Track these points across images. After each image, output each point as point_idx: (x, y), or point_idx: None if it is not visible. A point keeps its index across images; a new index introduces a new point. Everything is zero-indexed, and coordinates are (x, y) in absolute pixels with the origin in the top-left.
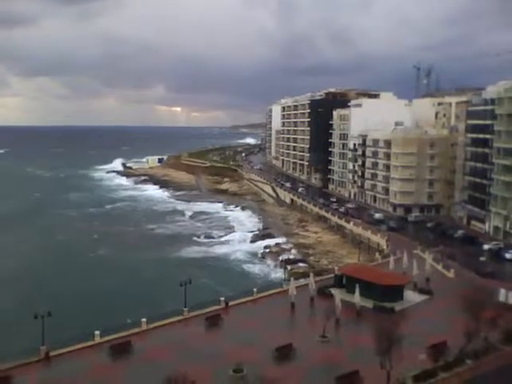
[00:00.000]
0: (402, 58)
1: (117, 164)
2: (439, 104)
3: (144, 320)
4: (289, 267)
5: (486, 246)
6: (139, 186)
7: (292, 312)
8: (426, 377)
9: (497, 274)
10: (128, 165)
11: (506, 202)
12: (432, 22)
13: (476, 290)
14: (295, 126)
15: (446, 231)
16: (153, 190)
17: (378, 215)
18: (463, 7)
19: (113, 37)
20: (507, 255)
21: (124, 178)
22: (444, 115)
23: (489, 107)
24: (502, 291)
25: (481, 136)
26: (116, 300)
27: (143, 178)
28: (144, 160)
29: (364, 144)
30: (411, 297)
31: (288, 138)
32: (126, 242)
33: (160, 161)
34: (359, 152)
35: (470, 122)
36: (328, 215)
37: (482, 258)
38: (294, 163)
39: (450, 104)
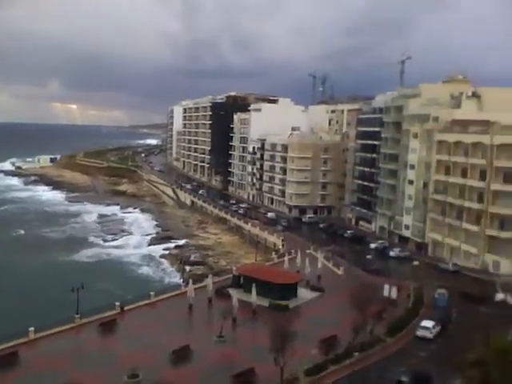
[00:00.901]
0: (301, 65)
1: (7, 163)
2: (333, 111)
3: (32, 329)
4: (188, 269)
5: (372, 245)
6: (30, 186)
7: (190, 314)
8: (317, 370)
9: (382, 270)
10: (18, 164)
11: (390, 204)
12: (331, 32)
13: (363, 287)
14: (196, 128)
15: (337, 231)
16: (45, 192)
17: (270, 214)
18: (360, 19)
19: (13, 31)
20: (391, 253)
21: (16, 178)
22: (337, 122)
23: (377, 115)
24: (386, 287)
25: (369, 142)
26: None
27: (33, 178)
28: (35, 159)
29: (263, 148)
30: (304, 294)
31: (189, 140)
32: (14, 246)
33: (52, 160)
34: (258, 155)
35: (360, 128)
36: (227, 217)
37: (368, 256)
38: (195, 165)
39: (343, 111)
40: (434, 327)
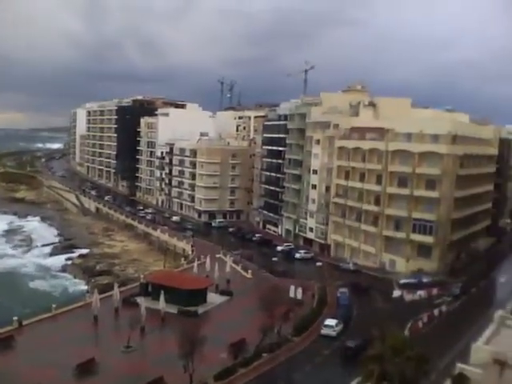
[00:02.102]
0: (210, 72)
1: None
2: (240, 117)
3: None
4: (93, 279)
5: (279, 248)
6: None
7: (95, 325)
8: (227, 374)
9: (288, 272)
10: None
11: (295, 208)
12: (239, 41)
13: (270, 289)
14: (102, 132)
15: (245, 235)
16: None
17: (175, 218)
18: (266, 30)
19: None
20: (297, 255)
21: None
22: (244, 128)
23: (282, 122)
24: (292, 288)
25: (275, 148)
26: None
27: None
28: None
29: (171, 152)
30: (213, 299)
31: (94, 144)
32: None
33: None
34: (166, 160)
35: (266, 135)
36: (135, 223)
37: (274, 259)
38: (101, 170)
39: (250, 118)
40: (336, 325)
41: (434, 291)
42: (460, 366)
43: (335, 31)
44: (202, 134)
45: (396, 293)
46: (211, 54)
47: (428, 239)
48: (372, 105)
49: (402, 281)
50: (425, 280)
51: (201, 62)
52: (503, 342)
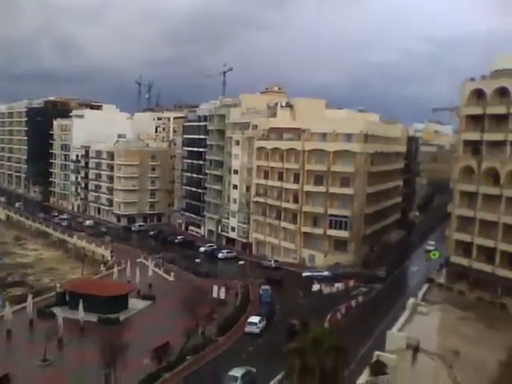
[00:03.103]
0: (127, 72)
1: None
2: (159, 118)
3: None
4: (4, 291)
5: (202, 249)
6: None
7: (8, 340)
8: (151, 380)
9: (211, 273)
10: None
11: (217, 208)
12: (157, 41)
13: (193, 290)
14: (10, 135)
15: (167, 238)
16: None
17: (88, 222)
18: (185, 30)
19: None
20: (220, 255)
21: None
22: (164, 129)
23: (202, 123)
24: (215, 288)
25: (196, 149)
26: None
27: None
28: None
29: (87, 155)
30: (135, 304)
31: (2, 148)
32: None
33: None
34: (82, 163)
35: (187, 136)
36: (49, 230)
37: (197, 260)
38: (10, 175)
39: (169, 119)
40: (260, 322)
41: (351, 283)
42: (377, 353)
43: (253, 33)
44: (119, 136)
45: (315, 287)
46: (130, 53)
47: (344, 234)
48: (289, 106)
49: (305, 274)
50: (325, 273)
51: (119, 62)
52: (416, 328)
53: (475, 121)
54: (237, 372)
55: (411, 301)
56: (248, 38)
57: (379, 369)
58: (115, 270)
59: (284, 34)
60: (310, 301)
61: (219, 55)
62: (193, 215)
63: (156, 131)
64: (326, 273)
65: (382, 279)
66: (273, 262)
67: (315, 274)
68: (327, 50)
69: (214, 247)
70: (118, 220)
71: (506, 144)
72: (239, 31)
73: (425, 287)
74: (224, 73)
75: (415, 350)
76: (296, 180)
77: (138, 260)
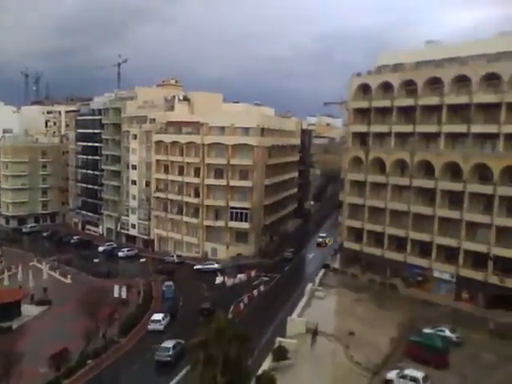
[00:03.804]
0: (11, 63)
1: None
2: (49, 112)
3: None
4: None
5: (101, 248)
6: None
7: None
8: None
9: (111, 272)
10: None
11: (116, 205)
12: (46, 31)
13: (92, 292)
14: None
15: (62, 238)
16: None
17: None
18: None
19: None
20: (120, 253)
21: None
22: (54, 123)
23: (96, 117)
24: (116, 288)
25: (90, 144)
26: None
27: None
28: None
29: None
30: (29, 311)
31: None
32: None
33: None
34: None
35: (80, 130)
36: None
37: (96, 260)
38: None
39: (60, 112)
40: (163, 319)
41: (253, 273)
42: (279, 339)
43: (148, 25)
44: (5, 131)
45: (219, 279)
46: (15, 43)
47: (244, 225)
48: (186, 99)
49: (196, 267)
50: (216, 265)
51: (3, 52)
52: (314, 313)
53: (362, 114)
54: (168, 343)
55: (309, 286)
56: (143, 29)
57: (281, 354)
58: (5, 275)
59: (180, 26)
60: (213, 293)
61: (114, 46)
62: (90, 214)
63: (46, 126)
64: (216, 265)
65: (289, 260)
66: (175, 257)
67: (206, 266)
68: (223, 44)
69: (114, 246)
70: (7, 222)
71: (391, 135)
72: (135, 22)
73: (321, 273)
74: (119, 64)
75: (314, 333)
76: (197, 174)
77: (31, 263)
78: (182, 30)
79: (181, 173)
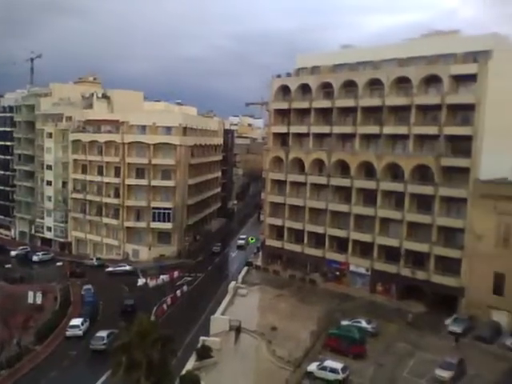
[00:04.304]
0: None
1: None
2: None
3: None
4: None
5: (13, 253)
6: None
7: None
8: None
9: (25, 277)
10: None
11: (29, 207)
12: None
13: (4, 298)
14: None
15: None
16: None
17: None
18: None
19: None
20: (34, 258)
21: None
22: None
23: (8, 114)
24: (30, 293)
25: (1, 143)
26: None
27: None
28: None
29: None
30: None
31: None
32: None
33: None
34: None
35: None
36: None
37: (8, 265)
38: None
39: None
40: (82, 324)
41: (176, 274)
42: (202, 338)
43: (63, 20)
44: None
45: (141, 281)
46: None
47: (167, 226)
48: (105, 97)
49: (108, 269)
50: (128, 267)
51: None
52: (237, 310)
53: (283, 115)
54: (103, 333)
55: (232, 284)
56: (59, 24)
57: (205, 353)
58: None
59: (101, 22)
60: (135, 295)
61: (27, 41)
62: (1, 216)
63: None
64: (128, 267)
65: (217, 254)
66: (95, 260)
67: (118, 268)
68: (145, 41)
69: (28, 250)
70: None
71: (310, 136)
72: (48, 16)
73: (244, 270)
74: (32, 60)
75: (237, 330)
76: (117, 174)
77: None
78: (102, 26)
79: (100, 173)
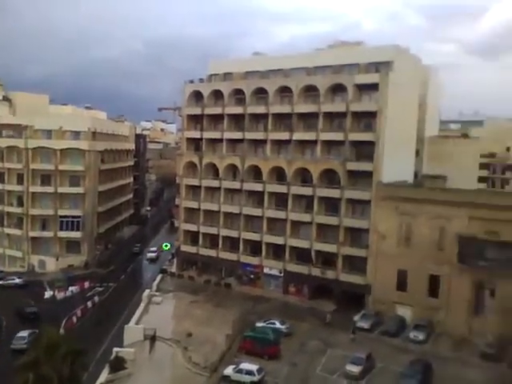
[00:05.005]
0: None
1: None
2: None
3: None
4: None
5: None
6: None
7: None
8: None
9: None
10: None
11: None
12: None
13: None
14: None
15: None
16: None
17: None
18: None
19: None
20: None
21: None
22: None
23: None
24: None
25: None
26: None
27: None
28: None
29: None
30: None
31: None
32: None
33: None
34: None
35: None
36: None
37: None
38: None
39: None
40: None
41: (86, 284)
42: (116, 349)
43: None
44: None
45: (48, 293)
46: None
47: (76, 235)
48: (7, 100)
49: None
50: (17, 280)
51: None
52: (152, 318)
53: (196, 120)
54: (24, 333)
55: (146, 293)
56: None
57: (118, 364)
58: None
59: (7, 23)
60: (42, 309)
61: None
62: None
63: None
64: (18, 280)
65: (137, 254)
66: None
67: (7, 282)
68: (52, 43)
69: None
70: None
71: (223, 141)
72: None
73: (158, 278)
74: None
75: (152, 339)
76: (20, 181)
77: None
78: (9, 28)
79: (1, 180)
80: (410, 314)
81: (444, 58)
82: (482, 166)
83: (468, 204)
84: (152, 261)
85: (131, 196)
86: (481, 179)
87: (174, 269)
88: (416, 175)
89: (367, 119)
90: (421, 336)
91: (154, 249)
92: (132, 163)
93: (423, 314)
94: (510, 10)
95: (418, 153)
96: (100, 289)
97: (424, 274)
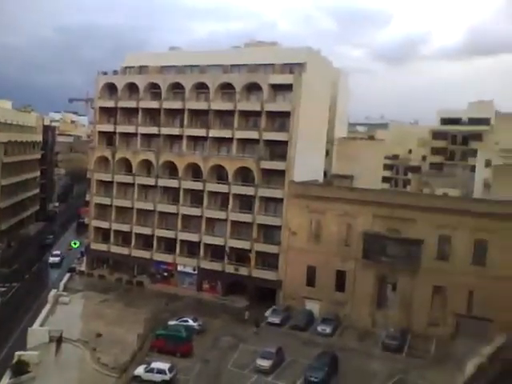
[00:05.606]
0: None
1: None
2: None
3: None
4: None
5: None
6: None
7: None
8: None
9: None
10: None
11: None
12: None
13: None
14: None
15: None
16: None
17: None
18: None
19: None
20: None
21: None
22: None
23: None
24: None
25: None
26: None
27: None
28: None
29: None
30: None
31: None
32: None
33: None
34: None
35: None
36: None
37: None
38: None
39: None
40: None
41: None
42: (18, 353)
43: None
44: None
45: None
46: None
47: None
48: None
49: None
50: None
51: None
52: (59, 319)
53: (109, 113)
54: None
55: (52, 293)
56: None
57: (21, 368)
58: None
59: None
60: None
61: None
62: None
63: None
64: None
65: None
66: None
67: None
68: None
69: None
70: None
71: (137, 136)
72: None
73: (66, 277)
74: None
75: (59, 341)
76: None
77: None
78: None
79: None
80: (318, 308)
81: (353, 63)
82: (386, 167)
83: (372, 203)
84: (55, 266)
85: (38, 191)
86: (385, 179)
87: (83, 267)
88: (325, 174)
89: (281, 119)
90: (328, 329)
91: (57, 252)
92: (39, 156)
93: (331, 308)
94: (412, 19)
95: (327, 153)
96: (2, 289)
97: (331, 269)
